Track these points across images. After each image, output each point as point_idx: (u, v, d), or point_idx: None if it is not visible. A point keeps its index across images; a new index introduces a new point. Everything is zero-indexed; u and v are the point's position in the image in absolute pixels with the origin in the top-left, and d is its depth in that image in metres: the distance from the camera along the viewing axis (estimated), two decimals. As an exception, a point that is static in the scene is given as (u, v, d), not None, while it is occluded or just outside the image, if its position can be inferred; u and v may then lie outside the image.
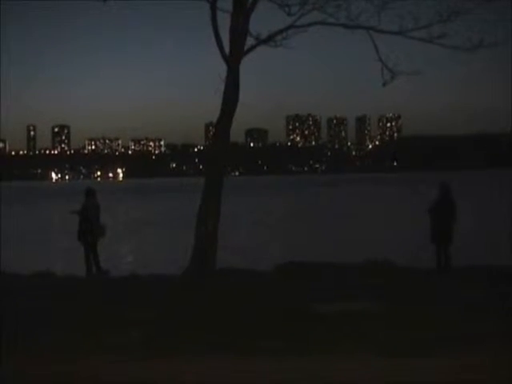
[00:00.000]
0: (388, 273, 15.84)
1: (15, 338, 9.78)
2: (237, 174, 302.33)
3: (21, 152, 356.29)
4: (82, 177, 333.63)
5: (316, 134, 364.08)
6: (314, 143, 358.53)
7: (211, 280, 15.11)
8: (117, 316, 11.18)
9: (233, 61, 16.73)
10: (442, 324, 10.26)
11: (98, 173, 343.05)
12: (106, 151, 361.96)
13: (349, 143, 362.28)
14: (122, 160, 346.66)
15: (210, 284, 14.53)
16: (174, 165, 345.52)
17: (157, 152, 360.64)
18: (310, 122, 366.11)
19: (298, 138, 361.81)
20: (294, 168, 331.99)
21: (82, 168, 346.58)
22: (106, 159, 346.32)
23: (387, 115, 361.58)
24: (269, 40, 17.14)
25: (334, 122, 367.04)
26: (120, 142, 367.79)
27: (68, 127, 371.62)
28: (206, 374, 8.25)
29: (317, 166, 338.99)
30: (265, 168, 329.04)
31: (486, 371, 8.06)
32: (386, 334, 9.64)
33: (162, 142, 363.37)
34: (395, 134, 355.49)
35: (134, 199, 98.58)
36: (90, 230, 17.28)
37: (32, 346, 9.45)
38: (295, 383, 7.90)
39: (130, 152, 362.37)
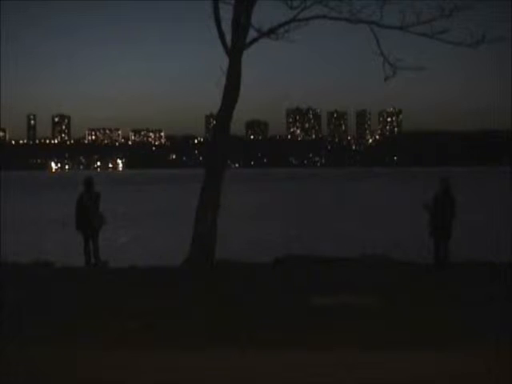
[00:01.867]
0: (387, 267, 15.86)
1: (14, 329, 9.81)
2: (237, 165, 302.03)
3: (21, 141, 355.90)
4: (81, 167, 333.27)
5: (316, 127, 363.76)
6: (314, 136, 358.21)
7: (210, 272, 15.13)
8: (114, 307, 11.20)
9: (234, 53, 16.71)
10: (442, 319, 10.28)
11: (98, 163, 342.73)
12: (106, 141, 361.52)
13: (349, 137, 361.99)
14: (122, 151, 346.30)
15: (209, 276, 14.55)
16: (174, 156, 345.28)
17: (157, 143, 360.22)
18: (311, 116, 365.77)
19: (298, 131, 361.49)
20: (293, 161, 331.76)
21: (81, 158, 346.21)
22: (105, 149, 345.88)
23: (388, 110, 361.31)
24: (270, 33, 17.12)
25: (335, 115, 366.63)
26: (120, 132, 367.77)
27: (68, 117, 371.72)
28: (204, 366, 8.26)
29: (316, 159, 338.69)
30: (264, 160, 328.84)
31: (487, 368, 8.08)
32: (386, 329, 9.65)
33: (162, 133, 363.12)
34: (395, 129, 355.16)
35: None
36: (87, 220, 17.18)
37: (31, 337, 9.47)
38: (294, 377, 7.91)
39: (130, 143, 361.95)
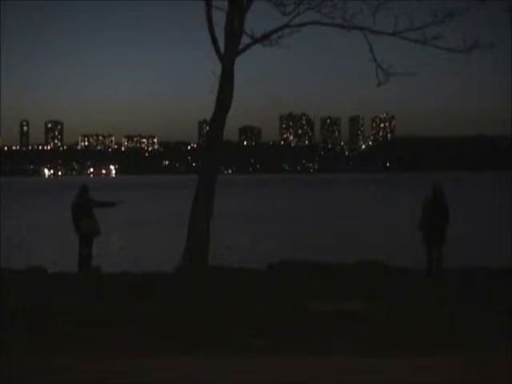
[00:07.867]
0: (384, 273, 15.86)
1: (10, 335, 9.77)
2: (230, 172, 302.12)
3: (14, 147, 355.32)
4: (74, 173, 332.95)
5: (309, 133, 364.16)
6: (307, 142, 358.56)
7: (203, 277, 15.10)
8: (107, 312, 11.16)
9: (227, 59, 16.73)
10: (435, 324, 10.28)
11: (91, 169, 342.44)
12: (99, 148, 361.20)
13: (342, 143, 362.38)
14: (115, 157, 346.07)
15: (203, 282, 14.51)
16: (167, 162, 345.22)
17: (150, 149, 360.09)
18: (304, 122, 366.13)
19: (292, 137, 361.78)
20: (286, 167, 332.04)
21: (74, 164, 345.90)
22: (98, 156, 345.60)
23: (381, 116, 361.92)
24: (264, 39, 17.15)
25: (328, 121, 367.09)
26: (113, 138, 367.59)
27: (61, 123, 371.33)
28: (200, 372, 8.24)
29: (309, 165, 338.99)
30: (258, 166, 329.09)
31: (483, 374, 8.08)
32: (381, 335, 9.64)
33: (155, 140, 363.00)
34: (389, 135, 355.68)
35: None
36: (76, 226, 17.08)
37: (27, 343, 9.43)
38: (289, 382, 7.90)
39: (123, 149, 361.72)
